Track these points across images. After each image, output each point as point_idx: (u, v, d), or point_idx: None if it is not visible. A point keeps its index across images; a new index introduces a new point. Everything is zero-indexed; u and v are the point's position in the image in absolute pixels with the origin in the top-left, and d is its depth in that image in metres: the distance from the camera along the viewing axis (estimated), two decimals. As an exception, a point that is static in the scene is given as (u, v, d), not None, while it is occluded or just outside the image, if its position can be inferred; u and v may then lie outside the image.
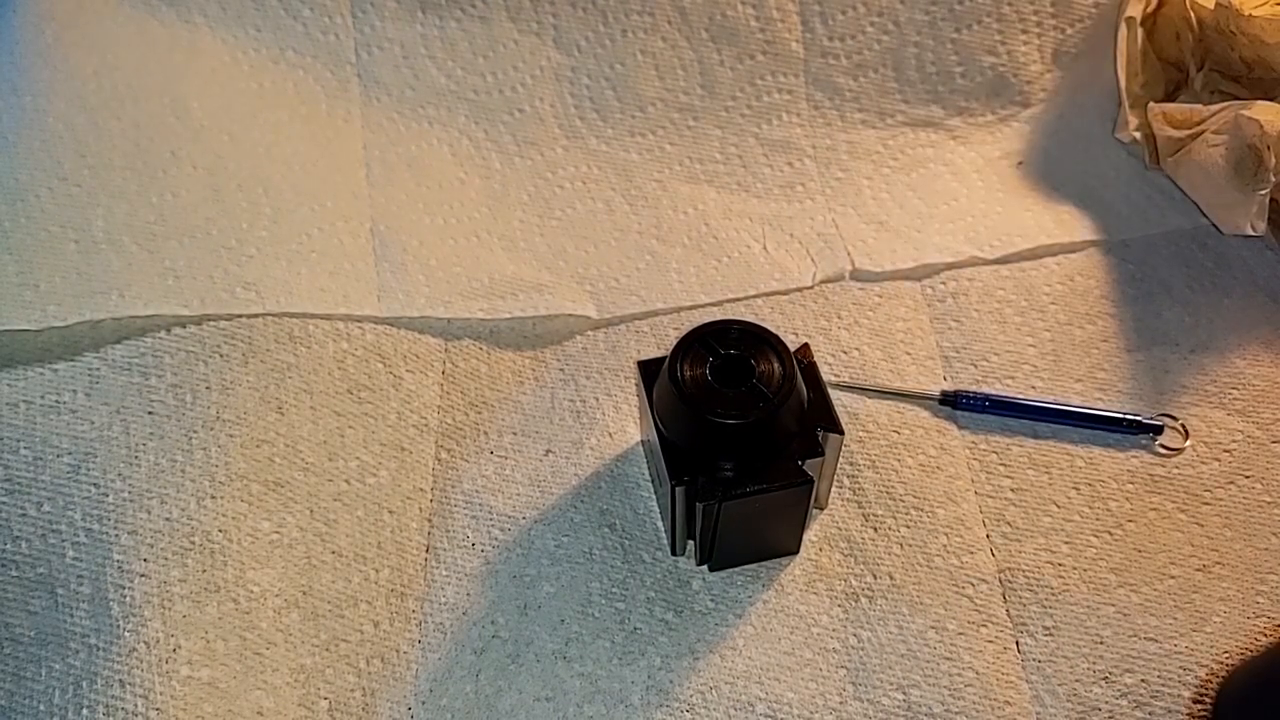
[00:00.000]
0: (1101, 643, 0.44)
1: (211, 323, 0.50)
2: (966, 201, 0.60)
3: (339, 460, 0.48)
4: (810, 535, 0.47)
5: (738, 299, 0.56)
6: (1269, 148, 0.51)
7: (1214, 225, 0.57)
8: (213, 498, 0.44)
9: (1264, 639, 0.44)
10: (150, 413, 0.47)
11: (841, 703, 0.43)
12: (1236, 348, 0.53)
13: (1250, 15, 0.55)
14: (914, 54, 0.61)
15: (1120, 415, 0.50)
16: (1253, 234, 0.53)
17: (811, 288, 0.57)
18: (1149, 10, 0.60)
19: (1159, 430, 0.50)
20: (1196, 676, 0.43)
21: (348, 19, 0.59)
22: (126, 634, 0.41)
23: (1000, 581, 0.46)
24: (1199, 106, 0.56)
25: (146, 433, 0.46)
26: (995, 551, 0.47)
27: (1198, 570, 0.46)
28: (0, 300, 0.48)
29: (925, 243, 0.58)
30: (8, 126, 0.52)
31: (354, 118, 0.60)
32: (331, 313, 0.52)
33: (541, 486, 0.49)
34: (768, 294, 0.56)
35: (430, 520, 0.48)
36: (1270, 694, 0.40)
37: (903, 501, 0.48)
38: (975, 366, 0.53)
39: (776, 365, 0.41)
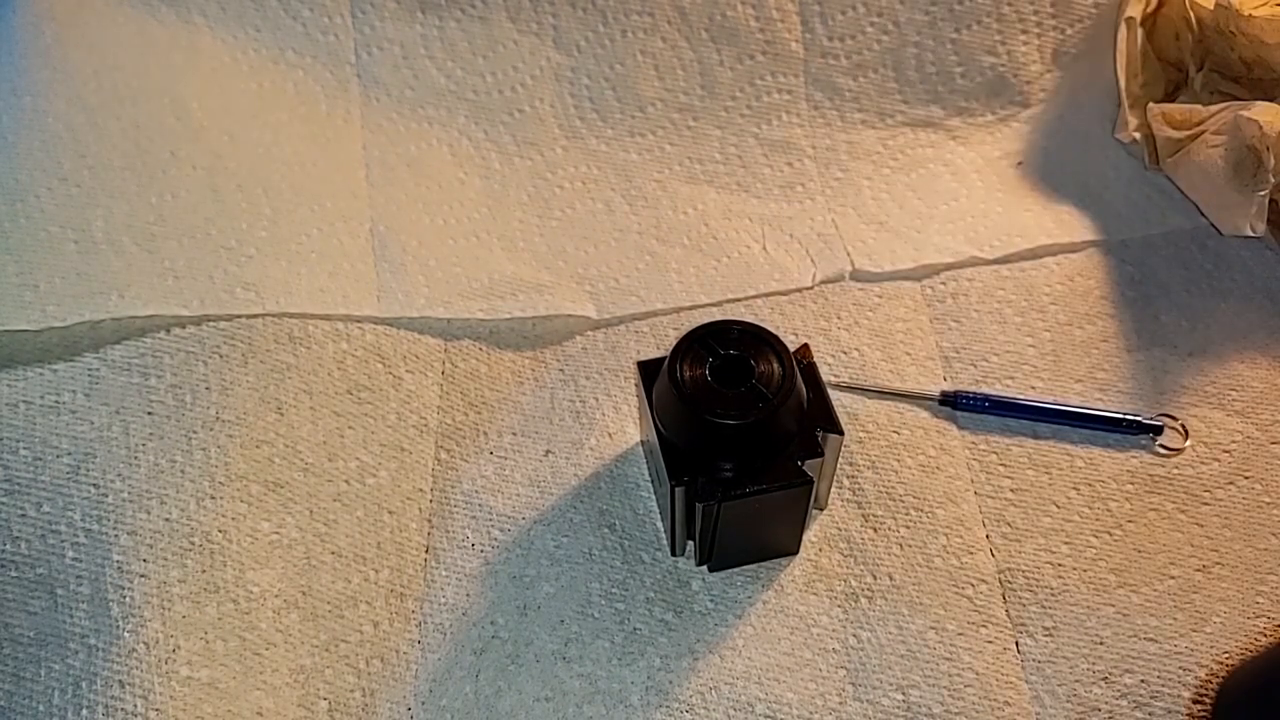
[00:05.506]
0: (1101, 643, 0.44)
1: (211, 323, 0.50)
2: (966, 201, 0.60)
3: (339, 461, 0.48)
4: (810, 536, 0.47)
5: (737, 299, 0.56)
6: (1269, 148, 0.51)
7: (1213, 226, 0.57)
8: (212, 498, 0.44)
9: (1264, 639, 0.44)
10: (150, 413, 0.47)
11: (841, 703, 0.43)
12: (1236, 348, 0.53)
13: (1250, 15, 0.55)
14: (914, 54, 0.61)
15: (1120, 415, 0.50)
16: (1252, 235, 0.53)
17: (811, 288, 0.57)
18: (1149, 10, 0.60)
19: (1159, 430, 0.50)
20: (1196, 676, 0.43)
21: (347, 19, 0.59)
22: (126, 634, 0.41)
23: (1000, 582, 0.46)
24: (1199, 107, 0.55)
25: (146, 433, 0.46)
26: (995, 552, 0.47)
27: (1198, 570, 0.46)
28: (0, 300, 0.48)
29: (925, 243, 0.58)
30: (8, 126, 0.52)
31: (354, 118, 0.60)
32: (331, 313, 0.52)
33: (541, 487, 0.49)
34: (767, 294, 0.56)
35: (430, 521, 0.48)
36: (1270, 694, 0.40)
37: (902, 502, 0.48)
38: (975, 366, 0.53)
39: (776, 365, 0.41)
